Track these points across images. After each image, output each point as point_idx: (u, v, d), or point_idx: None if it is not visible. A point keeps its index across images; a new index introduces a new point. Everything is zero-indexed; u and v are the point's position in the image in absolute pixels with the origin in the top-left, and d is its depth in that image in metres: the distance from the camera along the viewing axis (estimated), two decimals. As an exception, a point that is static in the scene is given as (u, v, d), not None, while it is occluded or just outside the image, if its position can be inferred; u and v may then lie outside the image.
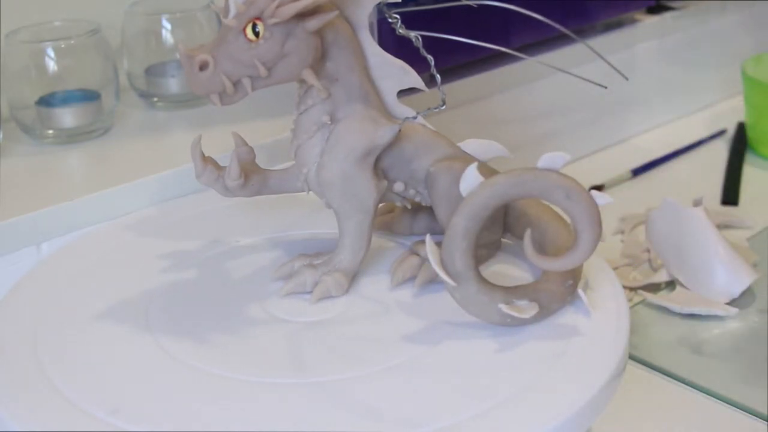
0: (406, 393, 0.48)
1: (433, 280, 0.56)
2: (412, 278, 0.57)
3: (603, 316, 0.53)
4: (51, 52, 0.74)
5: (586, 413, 0.47)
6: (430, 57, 0.55)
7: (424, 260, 0.56)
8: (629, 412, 0.60)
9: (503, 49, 0.59)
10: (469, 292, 0.51)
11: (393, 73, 0.57)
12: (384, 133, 0.55)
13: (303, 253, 0.58)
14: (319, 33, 0.52)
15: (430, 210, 0.59)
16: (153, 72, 0.81)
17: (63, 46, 0.75)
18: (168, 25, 0.80)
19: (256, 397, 0.48)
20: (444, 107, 0.55)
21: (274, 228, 0.64)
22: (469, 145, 0.57)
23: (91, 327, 0.54)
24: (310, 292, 0.56)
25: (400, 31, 0.55)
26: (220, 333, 0.53)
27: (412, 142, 0.56)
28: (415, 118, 0.57)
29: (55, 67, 0.75)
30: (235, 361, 0.50)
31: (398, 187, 0.57)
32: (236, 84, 0.52)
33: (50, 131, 0.75)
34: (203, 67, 0.51)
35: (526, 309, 0.51)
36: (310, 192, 0.57)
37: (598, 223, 0.49)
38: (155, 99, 0.81)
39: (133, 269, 0.60)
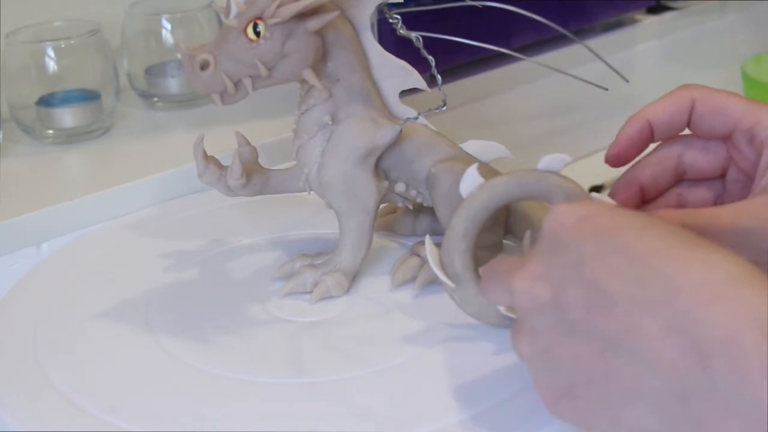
0: (405, 393, 0.48)
1: (434, 282, 0.56)
2: (413, 279, 0.57)
3: (603, 316, 0.53)
4: (51, 52, 0.74)
5: (587, 414, 0.47)
6: (431, 57, 0.55)
7: (425, 261, 0.56)
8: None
9: (503, 50, 0.59)
10: (468, 294, 0.51)
11: (395, 73, 0.56)
12: (385, 134, 0.55)
13: (304, 253, 0.58)
14: (320, 33, 0.52)
15: (432, 211, 0.59)
16: (153, 72, 0.81)
17: (63, 46, 0.75)
18: (168, 25, 0.80)
19: (255, 397, 0.48)
20: (445, 108, 0.55)
21: (276, 228, 0.64)
22: (471, 146, 0.57)
23: (91, 327, 0.54)
24: (311, 292, 0.56)
25: (401, 31, 0.55)
26: (220, 333, 0.53)
27: (414, 143, 0.56)
28: (416, 118, 0.57)
29: (55, 67, 0.75)
30: (234, 361, 0.50)
31: (399, 187, 0.57)
32: (237, 83, 0.52)
33: (50, 131, 0.75)
34: (204, 66, 0.51)
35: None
36: (312, 192, 0.57)
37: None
38: (155, 99, 0.81)
39: (133, 269, 0.60)
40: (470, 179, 0.50)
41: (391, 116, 0.57)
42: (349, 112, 0.55)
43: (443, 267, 0.50)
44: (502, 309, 0.50)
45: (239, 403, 0.47)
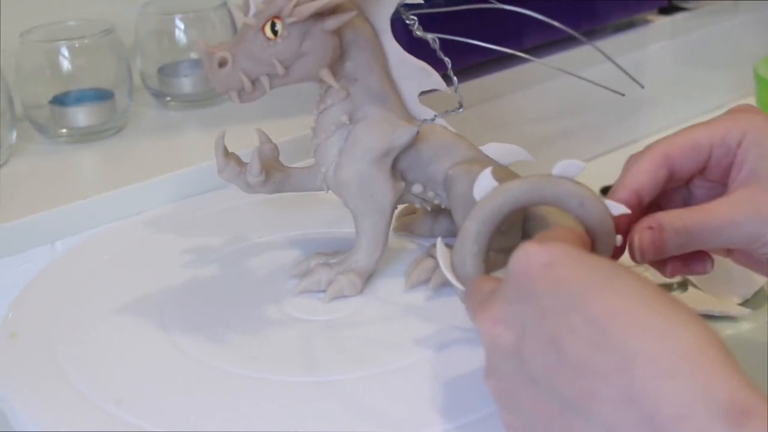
0: (416, 394, 0.48)
1: (447, 284, 0.56)
2: (427, 281, 0.57)
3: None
4: (65, 52, 0.75)
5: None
6: (447, 59, 0.55)
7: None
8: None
9: (515, 51, 0.59)
10: (480, 297, 0.51)
11: (414, 74, 0.56)
12: (402, 135, 0.55)
13: (320, 251, 0.58)
14: (338, 33, 0.52)
15: (451, 212, 0.59)
16: (166, 71, 0.81)
17: (77, 45, 0.75)
18: (181, 25, 0.80)
19: (266, 395, 0.48)
20: (461, 110, 0.55)
21: (293, 226, 0.64)
22: (490, 149, 0.57)
23: (105, 324, 0.54)
24: (325, 290, 0.56)
25: (418, 33, 0.55)
26: (233, 330, 0.53)
27: (431, 145, 0.56)
28: (433, 120, 0.57)
29: (69, 67, 0.75)
30: (247, 359, 0.50)
31: (416, 188, 0.57)
32: (255, 82, 0.52)
33: (64, 130, 0.75)
34: (222, 64, 0.51)
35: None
36: (329, 191, 0.57)
37: (612, 232, 0.49)
38: (168, 98, 0.81)
39: (147, 266, 0.60)
40: (484, 182, 0.49)
41: (409, 117, 0.57)
42: (367, 112, 0.55)
43: (455, 270, 0.50)
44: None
45: (251, 400, 0.47)
